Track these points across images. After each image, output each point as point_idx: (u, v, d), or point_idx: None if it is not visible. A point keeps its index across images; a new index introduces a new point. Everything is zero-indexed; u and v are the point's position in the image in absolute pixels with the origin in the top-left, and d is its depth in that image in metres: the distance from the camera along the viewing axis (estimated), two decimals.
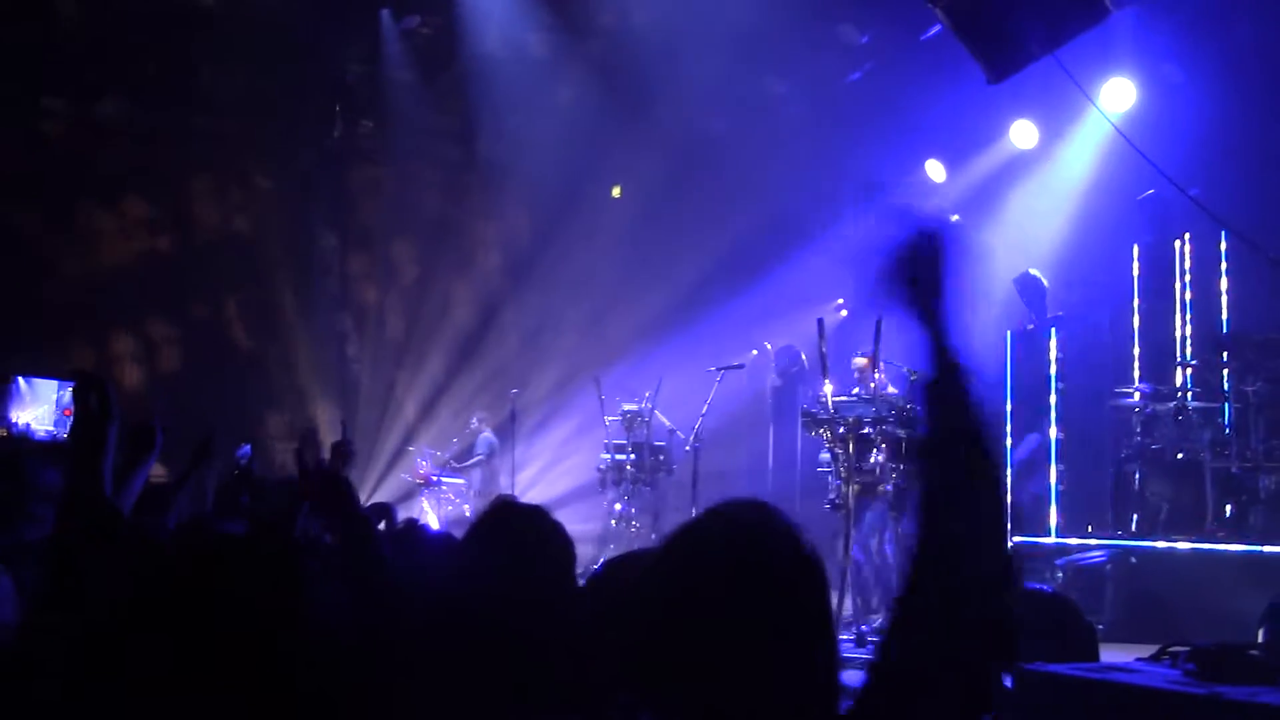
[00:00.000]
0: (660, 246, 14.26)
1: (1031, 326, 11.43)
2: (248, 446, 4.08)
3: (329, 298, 14.70)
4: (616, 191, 14.87)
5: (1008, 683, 4.30)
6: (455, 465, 13.64)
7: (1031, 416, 11.25)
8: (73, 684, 1.20)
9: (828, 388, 8.52)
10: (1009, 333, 11.50)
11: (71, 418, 2.21)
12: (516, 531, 2.59)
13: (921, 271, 1.82)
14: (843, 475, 8.35)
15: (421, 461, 13.58)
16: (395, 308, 15.01)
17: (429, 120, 14.52)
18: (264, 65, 13.40)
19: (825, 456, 8.89)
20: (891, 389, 8.98)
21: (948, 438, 1.77)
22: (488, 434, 13.75)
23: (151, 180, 13.71)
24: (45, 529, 3.68)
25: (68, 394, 2.77)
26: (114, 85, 13.26)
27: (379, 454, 14.33)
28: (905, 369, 8.76)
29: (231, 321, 14.16)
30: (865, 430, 8.42)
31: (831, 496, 8.55)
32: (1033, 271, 11.43)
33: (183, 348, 13.76)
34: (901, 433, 8.39)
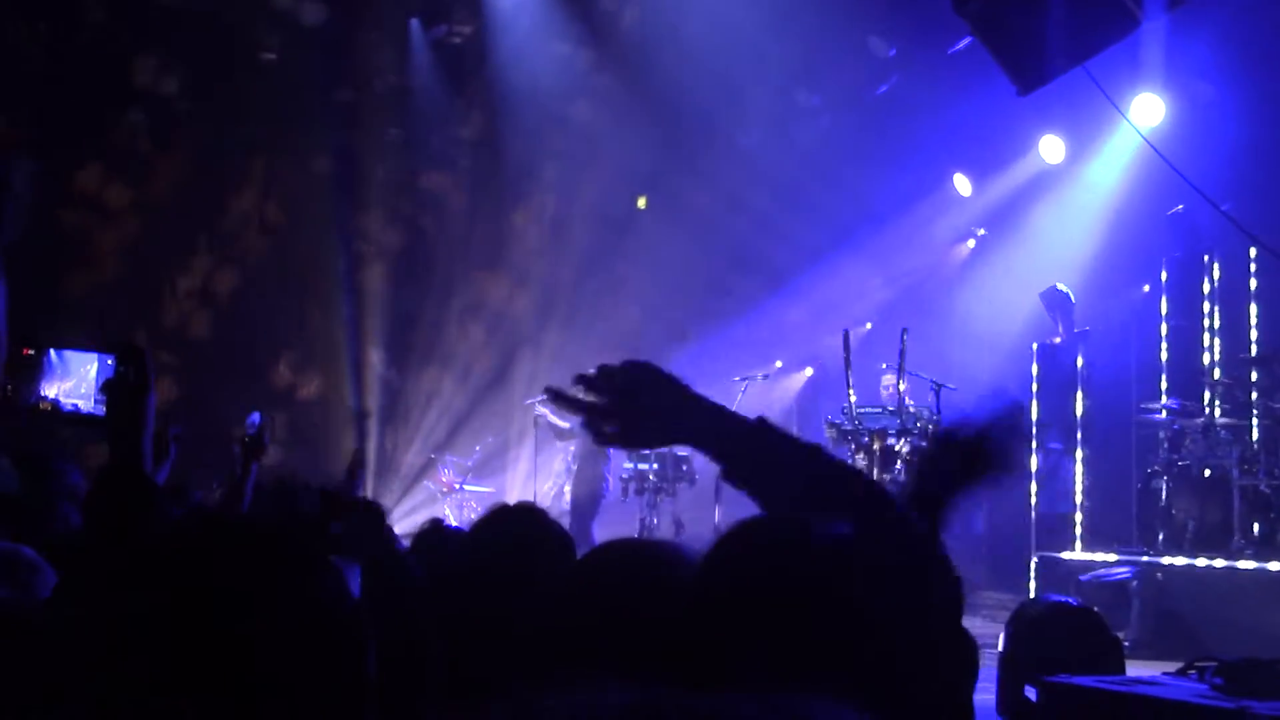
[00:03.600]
0: (685, 257, 14.25)
1: (1058, 340, 11.38)
2: (257, 414, 3.84)
3: (355, 303, 14.73)
4: (642, 203, 14.88)
5: (1032, 695, 4.27)
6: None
7: (1055, 431, 11.19)
8: (96, 661, 1.18)
9: (852, 398, 8.53)
10: (1035, 346, 11.46)
11: (109, 391, 2.19)
12: (516, 527, 2.69)
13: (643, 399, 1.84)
14: None
15: (444, 469, 13.58)
16: (421, 315, 15.03)
17: (457, 128, 14.58)
18: (293, 71, 13.49)
19: None
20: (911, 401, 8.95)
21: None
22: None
23: (177, 181, 13.79)
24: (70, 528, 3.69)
25: (99, 366, 2.74)
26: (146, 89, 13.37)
27: (404, 461, 14.36)
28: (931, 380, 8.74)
29: (255, 318, 14.17)
30: (890, 441, 8.43)
31: None
32: (1060, 286, 11.38)
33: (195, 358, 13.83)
34: (926, 444, 8.37)
